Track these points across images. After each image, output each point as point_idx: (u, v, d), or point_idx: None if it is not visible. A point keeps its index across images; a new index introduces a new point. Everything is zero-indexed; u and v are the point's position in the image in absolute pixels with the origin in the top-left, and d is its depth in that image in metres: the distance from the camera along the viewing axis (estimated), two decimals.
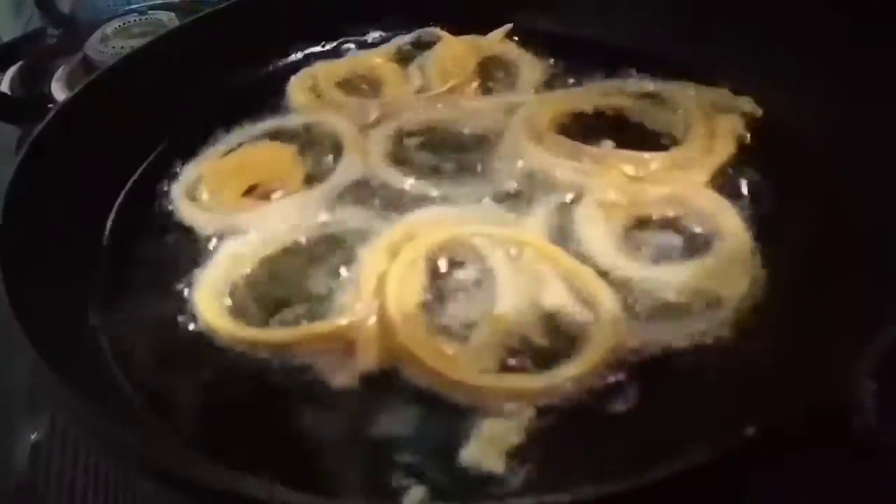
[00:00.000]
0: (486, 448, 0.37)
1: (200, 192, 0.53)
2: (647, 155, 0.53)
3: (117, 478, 0.45)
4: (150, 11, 0.83)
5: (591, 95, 0.59)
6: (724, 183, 0.51)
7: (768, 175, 0.51)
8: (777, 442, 0.34)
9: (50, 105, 0.72)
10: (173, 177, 0.55)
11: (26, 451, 0.47)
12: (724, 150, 0.53)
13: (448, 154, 0.55)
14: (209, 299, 0.45)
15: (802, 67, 0.53)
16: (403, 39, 0.67)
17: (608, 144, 0.54)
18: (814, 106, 0.52)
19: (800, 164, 0.50)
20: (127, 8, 0.86)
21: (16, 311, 0.38)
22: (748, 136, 0.54)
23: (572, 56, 0.62)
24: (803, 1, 0.54)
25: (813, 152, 0.50)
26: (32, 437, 0.48)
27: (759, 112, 0.56)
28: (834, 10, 0.53)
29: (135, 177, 0.56)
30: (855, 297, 0.41)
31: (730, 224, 0.48)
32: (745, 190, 0.50)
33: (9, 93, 0.76)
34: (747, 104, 0.56)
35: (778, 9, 0.56)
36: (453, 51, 0.64)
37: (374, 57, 0.65)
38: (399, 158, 0.55)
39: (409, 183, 0.53)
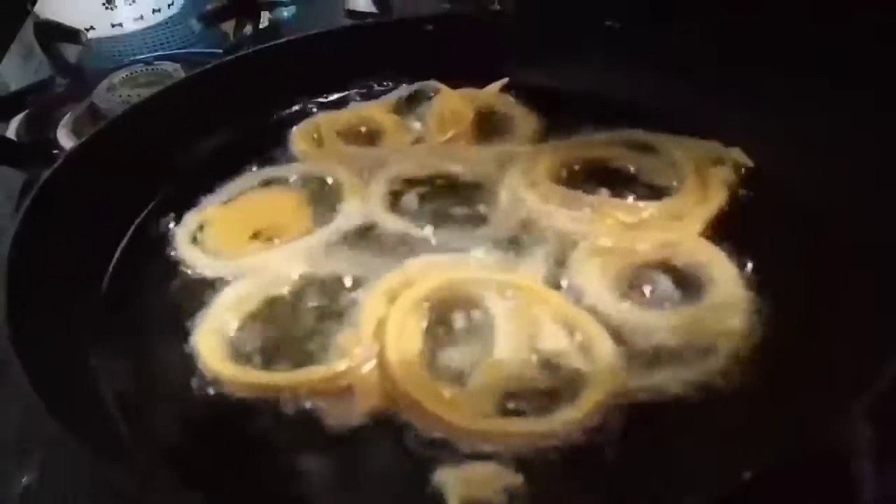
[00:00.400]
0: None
1: (204, 237, 0.54)
2: (641, 204, 0.54)
3: None
4: (156, 62, 0.85)
5: (585, 146, 0.61)
6: (716, 231, 0.52)
7: (760, 223, 0.52)
8: (773, 488, 0.34)
9: (55, 151, 0.73)
10: (177, 222, 0.56)
11: (17, 495, 0.46)
12: (716, 199, 0.54)
13: (446, 202, 0.56)
14: (211, 342, 0.46)
15: (790, 119, 0.55)
16: (403, 92, 0.68)
17: (603, 193, 0.56)
18: (803, 155, 0.53)
19: (791, 212, 0.52)
20: (133, 59, 0.88)
21: (18, 353, 0.38)
22: (739, 186, 0.55)
23: (565, 109, 0.64)
24: (786, 58, 0.56)
25: (803, 201, 0.52)
26: (23, 480, 0.47)
27: (749, 163, 0.57)
28: (818, 66, 0.55)
29: (138, 222, 0.56)
30: (849, 343, 0.42)
31: (723, 272, 0.49)
32: (737, 238, 0.51)
33: (15, 139, 0.77)
34: (737, 154, 0.58)
35: (764, 65, 0.58)
36: (451, 103, 0.66)
37: (374, 108, 0.67)
38: (398, 206, 0.56)
39: (407, 230, 0.54)
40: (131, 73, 0.83)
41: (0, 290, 0.42)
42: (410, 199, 0.57)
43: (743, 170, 0.57)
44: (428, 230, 0.53)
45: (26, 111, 0.80)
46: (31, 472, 0.47)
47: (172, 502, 0.35)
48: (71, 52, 0.93)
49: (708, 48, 0.62)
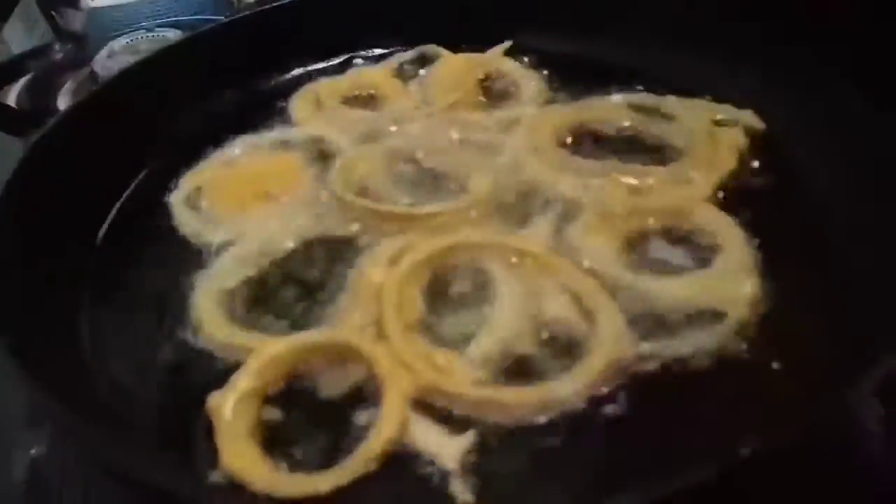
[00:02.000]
0: None
1: (201, 200, 0.54)
2: (647, 168, 0.53)
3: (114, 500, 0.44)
4: (157, 29, 0.84)
5: (591, 110, 0.59)
6: (725, 196, 0.50)
7: (769, 188, 0.51)
8: (777, 460, 0.33)
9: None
10: (173, 187, 0.55)
11: (25, 466, 0.46)
12: (725, 163, 0.53)
13: (448, 168, 0.55)
14: (208, 306, 0.45)
15: (803, 84, 0.54)
16: (405, 56, 0.67)
17: (610, 158, 0.54)
18: (814, 122, 0.52)
19: (801, 178, 0.50)
20: (136, 26, 0.87)
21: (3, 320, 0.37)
22: (749, 149, 0.54)
23: (571, 73, 0.63)
24: (803, 26, 0.54)
25: (814, 167, 0.50)
26: (32, 451, 0.47)
27: (761, 126, 0.56)
28: (833, 36, 0.53)
29: (134, 185, 0.56)
30: (860, 312, 0.40)
31: (731, 237, 0.48)
32: (746, 203, 0.50)
33: (15, 106, 0.77)
34: (749, 117, 0.56)
35: (776, 31, 0.57)
36: (453, 67, 0.65)
37: (375, 73, 0.66)
38: (397, 173, 0.55)
39: (406, 197, 0.53)
40: (132, 41, 0.82)
41: None
42: (411, 165, 0.56)
43: (754, 133, 0.55)
44: (428, 197, 0.52)
45: (27, 77, 0.80)
46: (39, 445, 0.47)
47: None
48: (73, 18, 0.93)
49: (719, 11, 0.60)
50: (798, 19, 0.55)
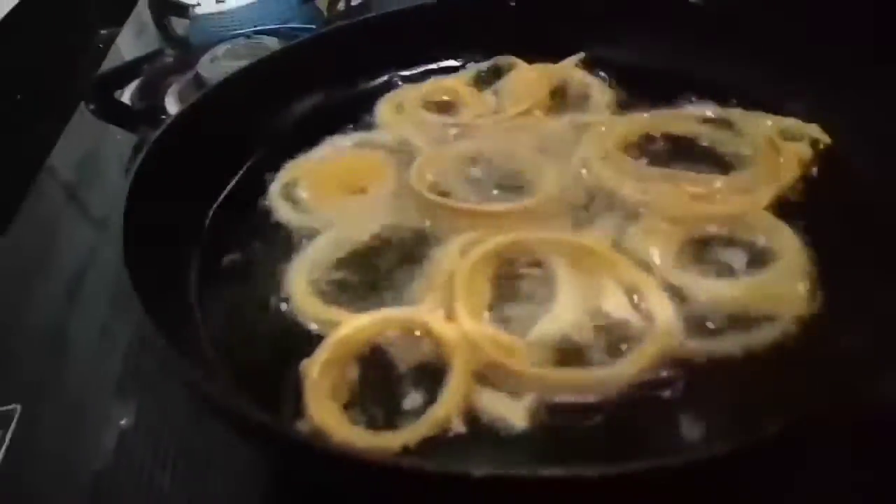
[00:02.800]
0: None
1: (295, 191, 0.59)
2: (710, 177, 0.55)
3: (195, 475, 0.49)
4: (255, 36, 0.91)
5: (658, 119, 0.62)
6: (785, 207, 0.52)
7: (829, 201, 0.52)
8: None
9: (163, 116, 0.79)
10: (271, 179, 0.60)
11: (114, 437, 0.51)
12: (787, 174, 0.54)
13: (517, 170, 0.58)
14: (300, 283, 0.50)
15: (871, 101, 0.54)
16: (481, 66, 0.71)
17: (674, 166, 0.57)
18: (881, 138, 0.53)
19: (861, 192, 0.52)
20: (235, 32, 0.94)
21: (134, 287, 0.43)
22: (814, 162, 0.56)
23: (641, 84, 0.65)
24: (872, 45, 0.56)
25: (875, 181, 0.52)
26: (122, 423, 0.52)
27: (828, 139, 0.57)
28: None
29: (237, 179, 0.61)
30: None
31: (787, 244, 0.49)
32: (805, 213, 0.51)
33: (130, 104, 0.84)
34: (815, 131, 0.58)
35: (846, 45, 0.58)
36: (527, 77, 0.68)
37: (453, 81, 0.70)
38: (470, 173, 0.59)
39: (477, 195, 0.56)
40: (233, 46, 0.88)
41: (118, 239, 0.47)
42: (484, 167, 0.59)
43: (821, 146, 0.57)
44: (499, 197, 0.56)
45: (139, 80, 0.88)
46: (128, 416, 0.53)
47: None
48: (179, 26, 1.01)
49: (789, 26, 0.62)
50: (868, 38, 0.56)
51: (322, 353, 0.44)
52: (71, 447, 0.52)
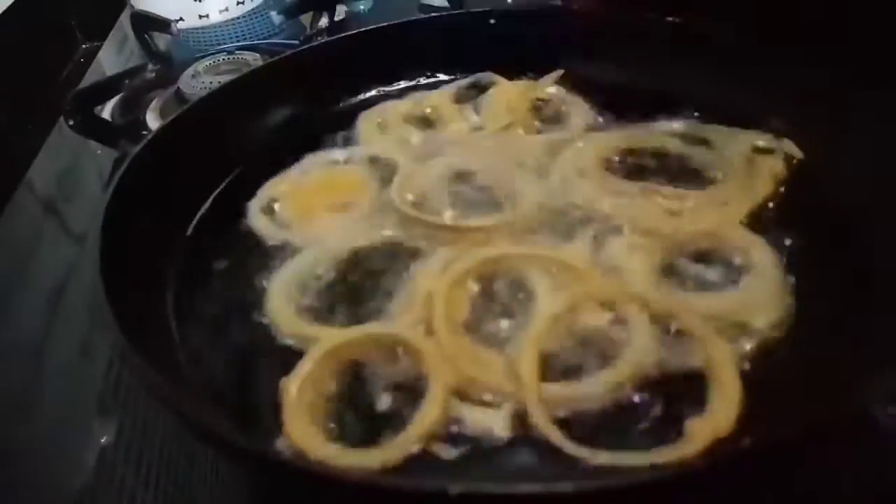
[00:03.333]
0: None
1: (275, 208, 0.59)
2: (686, 191, 0.56)
3: (178, 492, 0.48)
4: (237, 52, 0.91)
5: (636, 135, 0.62)
6: (759, 221, 0.53)
7: (803, 215, 0.53)
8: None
9: (144, 132, 0.79)
10: (251, 195, 0.60)
11: (95, 454, 0.50)
12: (762, 189, 0.56)
13: (498, 185, 0.59)
14: (279, 300, 0.50)
15: (844, 117, 0.56)
16: (462, 82, 0.72)
17: (651, 182, 0.57)
18: (853, 154, 0.54)
19: (833, 205, 0.53)
20: (218, 48, 0.94)
21: (109, 303, 0.43)
22: (787, 177, 0.57)
23: (619, 100, 0.66)
24: (843, 57, 0.57)
25: (847, 194, 0.53)
26: (102, 440, 0.51)
27: (800, 154, 0.58)
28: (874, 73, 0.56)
29: (215, 195, 0.61)
30: (881, 332, 0.43)
31: (762, 259, 0.50)
32: (779, 228, 0.53)
33: (110, 119, 0.84)
34: (788, 146, 0.59)
35: (818, 63, 0.59)
36: (507, 94, 0.69)
37: (435, 97, 0.70)
38: (451, 188, 0.59)
39: (458, 211, 0.57)
40: (214, 62, 0.89)
41: (94, 251, 0.47)
42: (464, 182, 0.60)
43: (792, 161, 0.58)
44: (478, 212, 0.57)
45: (120, 95, 0.87)
46: (109, 432, 0.52)
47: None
48: (161, 41, 1.01)
49: (762, 44, 0.63)
50: (841, 56, 0.57)
51: (301, 370, 0.44)
52: (51, 464, 0.51)
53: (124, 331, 0.40)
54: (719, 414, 0.41)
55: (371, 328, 0.47)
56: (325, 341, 0.46)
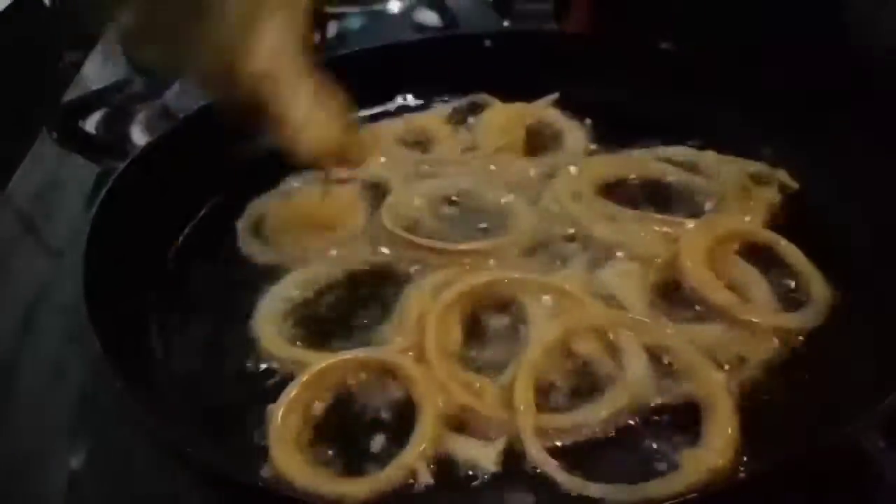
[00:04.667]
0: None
1: (263, 228, 0.58)
2: (681, 219, 0.55)
3: None
4: None
5: (631, 161, 0.62)
6: (753, 250, 0.53)
7: (796, 244, 0.53)
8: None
9: (129, 146, 0.77)
10: (239, 214, 0.59)
11: (64, 480, 0.49)
12: (755, 218, 0.55)
13: (491, 209, 0.58)
14: (266, 324, 0.49)
15: (837, 147, 0.56)
16: (456, 104, 0.71)
17: (646, 208, 0.57)
18: (849, 186, 0.54)
19: (827, 235, 0.53)
20: None
21: (93, 321, 0.41)
22: (781, 207, 0.56)
23: (615, 125, 0.66)
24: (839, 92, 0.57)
25: (839, 224, 0.53)
26: (73, 465, 0.49)
27: (795, 185, 0.58)
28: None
29: (202, 214, 0.60)
30: (876, 361, 0.43)
31: (757, 289, 0.50)
32: (773, 256, 0.52)
33: (94, 133, 0.82)
34: (782, 176, 0.59)
35: (812, 95, 0.59)
36: (502, 115, 0.68)
37: (429, 118, 0.70)
38: (443, 211, 0.59)
39: (451, 234, 0.56)
40: None
41: (78, 271, 0.45)
42: (456, 205, 0.59)
43: (787, 191, 0.58)
44: (471, 236, 0.56)
45: (105, 109, 0.86)
46: (80, 458, 0.50)
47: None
48: None
49: (761, 71, 0.63)
50: (836, 86, 0.58)
51: (287, 396, 0.42)
52: (18, 491, 0.49)
53: (106, 354, 0.39)
54: (714, 446, 0.40)
55: (360, 353, 0.46)
56: (313, 366, 0.44)
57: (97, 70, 1.10)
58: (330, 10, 1.01)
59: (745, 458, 0.39)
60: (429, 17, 1.01)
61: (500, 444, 0.41)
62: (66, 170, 0.84)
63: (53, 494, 0.48)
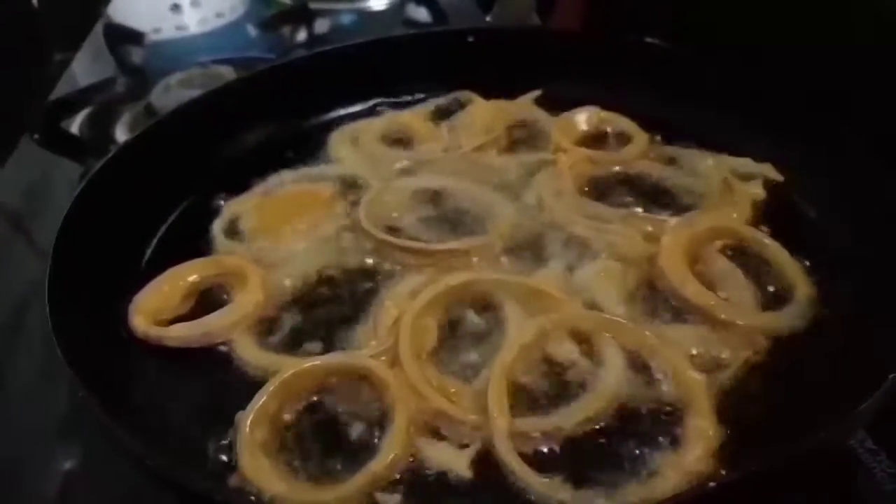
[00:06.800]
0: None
1: (240, 227, 0.57)
2: (663, 217, 0.55)
3: None
4: (211, 65, 0.89)
5: (613, 158, 0.61)
6: (737, 248, 0.52)
7: (779, 240, 0.52)
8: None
9: (112, 146, 0.77)
10: (215, 214, 0.58)
11: (57, 481, 0.48)
12: (740, 215, 0.55)
13: (471, 207, 0.58)
14: (241, 328, 0.48)
15: (822, 142, 0.55)
16: (438, 100, 0.70)
17: (630, 205, 0.56)
18: (829, 179, 0.54)
19: (811, 230, 0.53)
20: (194, 60, 0.92)
21: (56, 331, 0.41)
22: (766, 204, 0.56)
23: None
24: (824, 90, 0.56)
25: (823, 219, 0.53)
26: (65, 466, 0.49)
27: (780, 178, 0.58)
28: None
29: (179, 212, 0.59)
30: (857, 360, 0.42)
31: (739, 288, 0.49)
32: (757, 254, 0.51)
33: (78, 134, 0.82)
34: (768, 170, 0.58)
35: (798, 93, 0.59)
36: (484, 113, 0.67)
37: (409, 115, 0.69)
38: (422, 210, 0.58)
39: (429, 233, 0.55)
40: (187, 75, 0.87)
41: (46, 270, 0.45)
42: (435, 205, 0.58)
43: (772, 185, 0.57)
44: (449, 235, 0.55)
45: (89, 109, 0.85)
46: (72, 459, 0.50)
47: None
48: (136, 54, 0.99)
49: (746, 69, 0.62)
50: (821, 84, 0.57)
51: (258, 403, 0.42)
52: (10, 493, 0.49)
53: (71, 363, 0.38)
54: (692, 450, 0.40)
55: (333, 358, 0.45)
56: (285, 371, 0.43)
57: (86, 67, 1.09)
58: (314, 6, 1.01)
59: (724, 462, 0.39)
60: (419, 14, 1.00)
61: (473, 450, 0.40)
62: (53, 170, 0.84)
63: (46, 495, 0.48)
